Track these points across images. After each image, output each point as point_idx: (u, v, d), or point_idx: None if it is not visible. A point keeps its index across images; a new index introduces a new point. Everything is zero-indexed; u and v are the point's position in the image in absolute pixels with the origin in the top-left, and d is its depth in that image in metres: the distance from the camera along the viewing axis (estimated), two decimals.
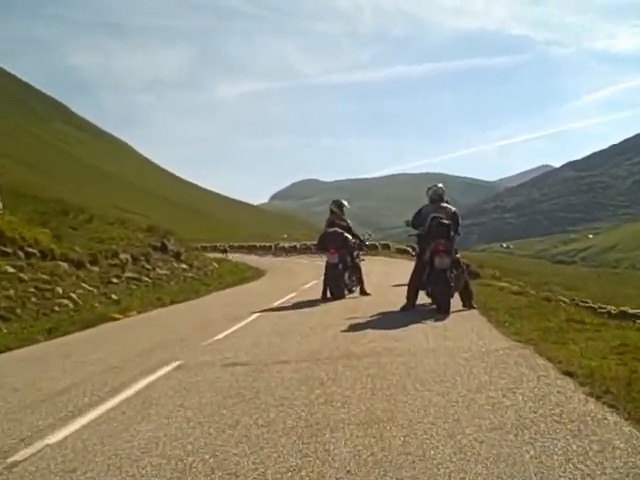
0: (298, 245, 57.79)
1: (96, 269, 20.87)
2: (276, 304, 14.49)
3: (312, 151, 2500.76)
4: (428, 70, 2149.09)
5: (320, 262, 40.73)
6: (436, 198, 12.04)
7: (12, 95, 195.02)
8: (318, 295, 15.34)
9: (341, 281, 14.71)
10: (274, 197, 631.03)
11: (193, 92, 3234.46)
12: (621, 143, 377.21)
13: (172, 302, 18.01)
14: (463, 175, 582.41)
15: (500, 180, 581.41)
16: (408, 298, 11.77)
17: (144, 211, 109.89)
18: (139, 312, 15.72)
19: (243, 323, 11.41)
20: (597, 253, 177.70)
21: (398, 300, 12.20)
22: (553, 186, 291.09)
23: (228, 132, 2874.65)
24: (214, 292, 21.56)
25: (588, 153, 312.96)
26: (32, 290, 15.94)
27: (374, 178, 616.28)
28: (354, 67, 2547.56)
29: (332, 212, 15.57)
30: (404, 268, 21.92)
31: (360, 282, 15.12)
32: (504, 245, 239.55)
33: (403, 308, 11.64)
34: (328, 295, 14.80)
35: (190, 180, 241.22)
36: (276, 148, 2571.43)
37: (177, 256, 27.99)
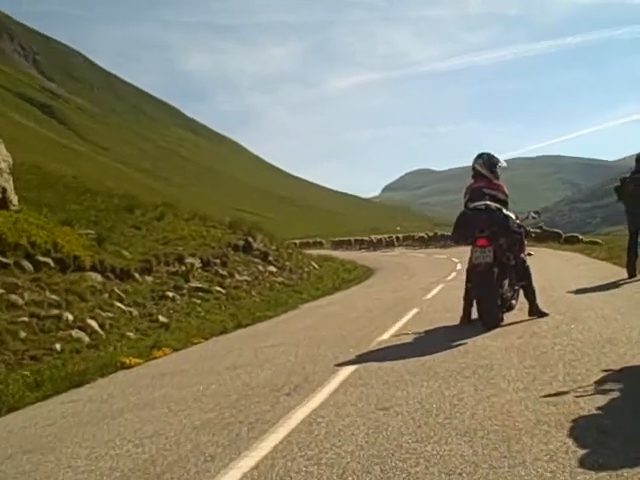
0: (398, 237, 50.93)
1: (149, 279, 15.52)
2: (382, 340, 8.35)
3: (425, 140, 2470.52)
4: (543, 48, 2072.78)
5: (439, 255, 35.98)
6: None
7: (128, 103, 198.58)
8: (448, 313, 9.83)
9: (497, 296, 8.28)
10: (386, 189, 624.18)
11: (304, 87, 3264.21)
12: None
13: (239, 325, 12.43)
14: (583, 156, 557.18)
15: (623, 159, 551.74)
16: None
17: (257, 210, 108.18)
18: (177, 348, 10.16)
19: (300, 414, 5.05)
20: None
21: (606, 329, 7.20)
22: None
23: (340, 125, 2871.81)
24: (305, 304, 15.76)
25: None
26: (24, 319, 10.65)
27: None
28: (466, 51, 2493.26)
29: (477, 174, 9.03)
30: (577, 264, 15.91)
31: (529, 294, 8.73)
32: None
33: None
34: (473, 316, 8.64)
35: (302, 176, 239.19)
36: (388, 139, 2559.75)
37: (264, 257, 22.31)
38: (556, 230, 32.56)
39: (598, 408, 4.24)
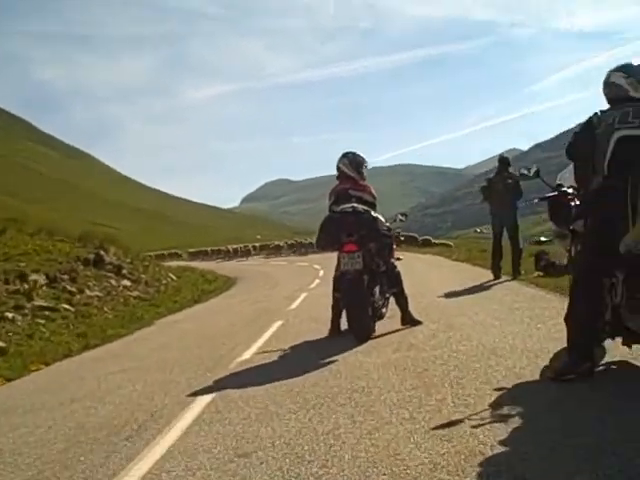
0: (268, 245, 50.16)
1: None
2: (244, 359, 7.28)
3: (283, 151, 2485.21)
4: (396, 61, 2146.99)
5: (301, 263, 35.59)
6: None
7: None
8: (315, 323, 9.19)
9: (368, 306, 7.53)
10: (245, 200, 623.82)
11: (161, 98, 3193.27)
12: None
13: (86, 346, 11.00)
14: (434, 165, 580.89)
15: (471, 166, 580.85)
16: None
17: (115, 223, 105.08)
18: (11, 378, 8.63)
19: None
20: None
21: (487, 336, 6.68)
22: None
23: (199, 137, 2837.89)
24: (161, 319, 14.44)
25: (556, 134, 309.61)
26: None
27: None
28: (321, 63, 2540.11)
29: (342, 175, 8.20)
30: (439, 266, 15.69)
31: (401, 301, 8.08)
32: (478, 230, 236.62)
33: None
34: (343, 327, 7.85)
35: (161, 189, 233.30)
36: (246, 150, 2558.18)
37: (118, 270, 20.68)
38: (412, 234, 32.75)
39: (502, 443, 3.47)
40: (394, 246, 8.40)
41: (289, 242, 47.68)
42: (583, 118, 4.88)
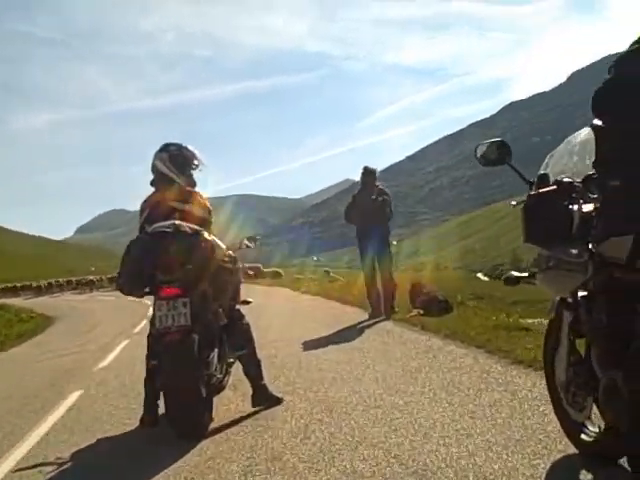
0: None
1: None
2: None
3: (120, 180, 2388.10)
4: (233, 90, 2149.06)
5: (131, 297, 30.70)
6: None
7: None
8: (125, 399, 6.27)
9: (200, 384, 4.52)
10: (79, 230, 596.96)
11: None
12: (416, 153, 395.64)
13: None
14: (271, 195, 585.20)
15: (307, 197, 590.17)
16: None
17: None
18: None
19: None
20: (403, 258, 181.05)
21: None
22: None
23: (29, 166, 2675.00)
24: None
25: (387, 165, 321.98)
26: None
27: None
28: (162, 91, 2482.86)
29: (160, 178, 5.15)
30: (288, 299, 13.27)
31: (251, 368, 5.25)
32: (315, 258, 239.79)
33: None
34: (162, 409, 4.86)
35: None
36: (83, 180, 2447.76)
37: None
38: (256, 265, 29.79)
39: None
40: (241, 283, 5.60)
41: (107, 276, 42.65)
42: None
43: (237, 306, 5.29)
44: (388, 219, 10.21)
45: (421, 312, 9.18)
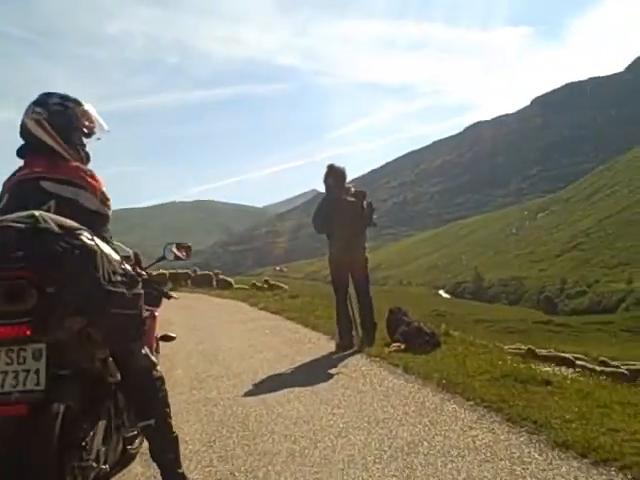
0: None
1: None
2: None
3: None
4: (201, 97, 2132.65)
5: None
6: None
7: None
8: None
9: None
10: None
11: None
12: (381, 168, 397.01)
13: None
14: (236, 202, 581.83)
15: (271, 205, 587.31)
16: None
17: None
18: None
19: None
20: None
21: None
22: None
23: None
24: None
25: (352, 178, 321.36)
26: None
27: (149, 207, 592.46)
28: (127, 95, 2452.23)
29: (37, 144, 3.18)
30: (243, 320, 11.52)
31: (162, 446, 3.38)
32: (277, 268, 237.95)
33: None
34: None
35: None
36: None
37: None
38: (209, 272, 27.18)
39: None
40: (155, 318, 3.74)
41: None
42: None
43: (145, 350, 3.38)
44: (368, 225, 8.42)
45: (402, 346, 7.34)
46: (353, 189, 8.35)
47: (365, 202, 8.30)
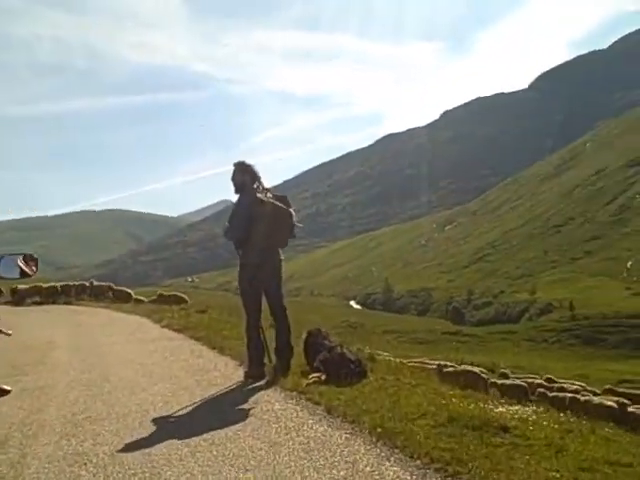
0: None
1: None
2: None
3: None
4: (112, 104, 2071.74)
5: None
6: None
7: None
8: None
9: None
10: None
11: None
12: (294, 178, 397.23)
13: None
14: (148, 211, 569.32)
15: (183, 215, 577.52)
16: None
17: None
18: None
19: None
20: None
21: None
22: None
23: None
24: None
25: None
26: None
27: (55, 216, 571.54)
28: (33, 99, 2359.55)
29: None
30: (142, 340, 10.41)
31: None
32: (189, 279, 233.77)
33: None
34: None
35: None
36: None
37: None
38: (103, 283, 24.84)
39: None
40: None
41: None
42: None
43: None
44: (292, 236, 7.22)
45: (322, 377, 6.18)
46: (270, 194, 7.15)
47: (292, 209, 7.11)
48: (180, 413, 5.63)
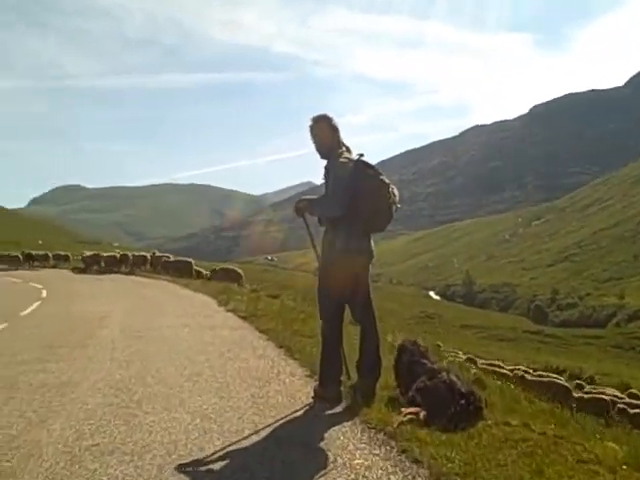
0: None
1: None
2: None
3: (76, 156, 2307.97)
4: (198, 80, 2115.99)
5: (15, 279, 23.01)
6: None
7: None
8: None
9: None
10: (33, 202, 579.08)
11: None
12: (377, 164, 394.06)
13: None
14: (231, 188, 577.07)
15: (266, 194, 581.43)
16: None
17: None
18: None
19: None
20: None
21: None
22: None
23: None
24: None
25: None
26: None
27: (140, 187, 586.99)
28: (123, 71, 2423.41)
29: None
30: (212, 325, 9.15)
31: None
32: (269, 258, 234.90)
33: None
34: None
35: None
36: (39, 151, 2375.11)
37: None
38: (185, 259, 23.48)
39: None
40: None
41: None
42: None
43: None
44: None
45: (421, 414, 4.40)
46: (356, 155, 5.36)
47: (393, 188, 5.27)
48: (219, 454, 3.95)
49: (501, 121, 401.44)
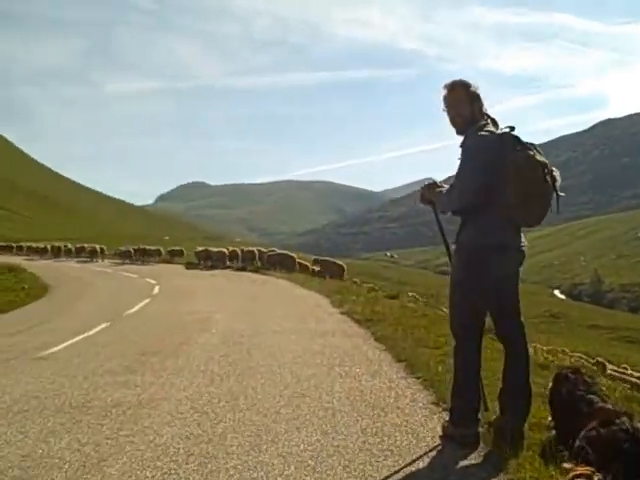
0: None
1: None
2: None
3: (201, 153, 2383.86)
4: (322, 78, 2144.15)
5: (132, 274, 23.32)
6: None
7: None
8: None
9: None
10: (160, 198, 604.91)
11: (79, 86, 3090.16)
12: None
13: None
14: (351, 184, 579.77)
15: (385, 191, 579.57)
16: None
17: (21, 210, 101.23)
18: None
19: None
20: None
21: None
22: None
23: (116, 129, 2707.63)
24: None
25: None
26: None
27: (262, 183, 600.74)
28: (249, 71, 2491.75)
29: None
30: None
31: None
32: (388, 254, 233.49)
33: None
34: None
35: (73, 178, 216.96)
36: (164, 149, 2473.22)
37: None
38: (287, 253, 23.22)
39: None
40: None
41: (130, 249, 35.53)
42: None
43: None
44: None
45: (596, 479, 3.07)
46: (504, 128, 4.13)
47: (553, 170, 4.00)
48: None
49: (635, 114, 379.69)
